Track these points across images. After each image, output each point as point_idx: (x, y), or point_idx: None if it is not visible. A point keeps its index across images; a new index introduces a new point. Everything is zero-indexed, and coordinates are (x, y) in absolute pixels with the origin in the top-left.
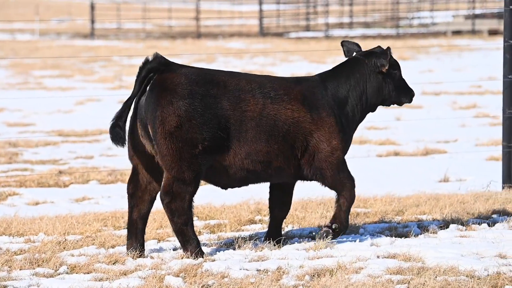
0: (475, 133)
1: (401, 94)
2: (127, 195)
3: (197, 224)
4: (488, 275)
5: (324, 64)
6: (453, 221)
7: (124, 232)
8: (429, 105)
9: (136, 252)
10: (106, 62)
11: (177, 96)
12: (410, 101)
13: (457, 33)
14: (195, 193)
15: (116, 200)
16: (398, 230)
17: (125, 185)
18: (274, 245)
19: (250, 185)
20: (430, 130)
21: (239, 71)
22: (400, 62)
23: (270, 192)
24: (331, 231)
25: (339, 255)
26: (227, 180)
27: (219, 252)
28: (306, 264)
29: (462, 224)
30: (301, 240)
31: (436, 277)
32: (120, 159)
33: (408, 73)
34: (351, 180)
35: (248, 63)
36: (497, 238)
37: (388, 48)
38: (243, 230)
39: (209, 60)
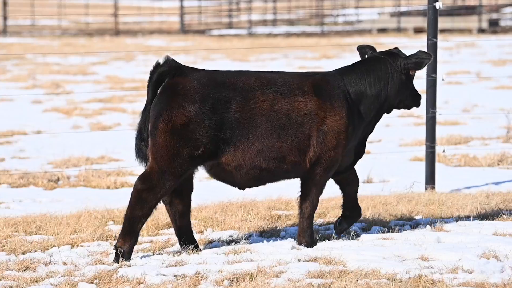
0: (400, 133)
1: (414, 97)
2: (164, 205)
3: (113, 228)
4: (409, 278)
5: (247, 62)
6: (376, 223)
7: (36, 237)
8: None
9: (193, 250)
10: (19, 60)
11: (188, 101)
12: (419, 105)
13: (382, 31)
14: (168, 193)
15: (27, 204)
16: (320, 233)
17: (38, 189)
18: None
19: (268, 183)
20: None
21: None
22: (325, 61)
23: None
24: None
25: (259, 259)
26: (242, 179)
27: (135, 257)
28: (225, 268)
29: (385, 226)
30: (221, 244)
31: (357, 280)
32: (32, 162)
33: None
34: (322, 188)
35: None
36: (420, 240)
37: (421, 51)
38: (161, 234)
39: (128, 58)
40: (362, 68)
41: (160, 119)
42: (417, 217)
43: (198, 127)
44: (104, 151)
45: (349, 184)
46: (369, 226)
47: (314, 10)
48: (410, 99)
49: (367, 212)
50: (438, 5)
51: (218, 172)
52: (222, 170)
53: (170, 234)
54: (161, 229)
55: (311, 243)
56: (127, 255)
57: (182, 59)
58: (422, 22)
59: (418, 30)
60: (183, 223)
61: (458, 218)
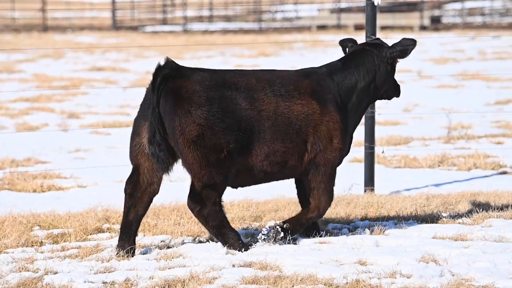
0: None
1: (395, 88)
2: (124, 195)
3: (39, 234)
4: (347, 282)
5: (182, 59)
6: None
7: None
8: None
9: (127, 253)
10: None
11: (194, 104)
12: (399, 95)
13: (322, 27)
14: (223, 193)
15: None
16: (256, 237)
17: None
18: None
19: (259, 184)
20: None
21: (90, 67)
22: (263, 59)
23: (297, 187)
24: (280, 229)
25: (192, 265)
26: (241, 181)
27: (62, 263)
28: (156, 274)
29: (322, 229)
30: (152, 249)
31: (293, 286)
32: None
33: None
34: (332, 194)
35: (100, 59)
36: (357, 244)
37: (413, 40)
38: (89, 240)
39: (56, 56)
40: (351, 63)
41: (175, 132)
42: (355, 220)
43: (212, 131)
44: (31, 152)
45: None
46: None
47: (252, 6)
48: (392, 89)
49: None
50: (376, 1)
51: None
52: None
53: (99, 239)
54: (90, 234)
55: (293, 233)
56: (244, 245)
57: (114, 57)
58: (362, 18)
59: (358, 27)
60: (134, 221)
61: (398, 221)
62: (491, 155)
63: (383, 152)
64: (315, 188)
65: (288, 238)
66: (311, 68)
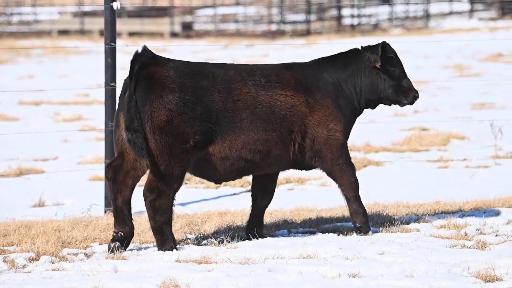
0: (79, 149)
1: (399, 93)
2: (107, 181)
3: None
4: None
5: None
6: (46, 252)
7: None
8: (27, 116)
9: (127, 234)
10: None
11: (166, 89)
12: (410, 102)
13: (64, 32)
14: (178, 190)
15: None
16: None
17: None
18: (255, 237)
19: (245, 176)
20: (27, 146)
21: None
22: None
23: (253, 180)
24: (358, 230)
25: None
26: (222, 173)
27: None
28: None
29: (56, 255)
30: None
31: None
32: None
33: (4, 80)
34: (350, 166)
35: None
36: (94, 270)
37: (382, 42)
38: None
39: None
40: (340, 61)
41: (144, 116)
42: (93, 244)
43: (181, 119)
44: None
45: (263, 198)
46: (37, 257)
47: None
48: (392, 94)
49: (36, 240)
50: (115, 5)
51: (199, 165)
52: (204, 162)
53: None
54: None
55: (365, 225)
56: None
57: None
58: None
59: (103, 33)
60: (124, 205)
61: (140, 244)
62: None
63: None
64: (333, 172)
65: (368, 233)
66: (296, 62)
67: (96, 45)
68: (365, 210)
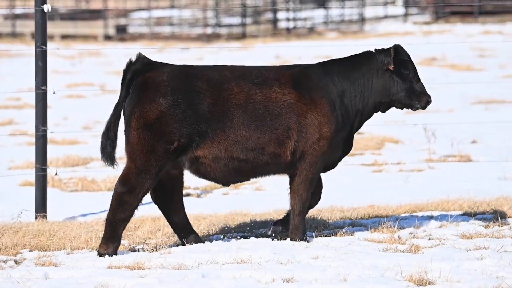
0: (10, 154)
1: (412, 97)
2: (157, 205)
3: None
4: None
5: None
6: None
7: None
8: None
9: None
10: None
11: (159, 94)
12: (423, 106)
13: None
14: (147, 192)
15: None
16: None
17: None
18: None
19: (251, 178)
20: None
21: None
22: None
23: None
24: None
25: None
26: (222, 174)
27: None
28: None
29: None
30: None
31: None
32: None
33: None
34: (312, 181)
35: None
36: (24, 277)
37: (395, 45)
38: None
39: None
40: (349, 63)
41: (132, 117)
42: (24, 251)
43: (170, 120)
44: None
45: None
46: None
47: None
48: (405, 98)
49: None
50: (46, 7)
51: (198, 167)
52: (201, 165)
53: None
54: None
55: (303, 239)
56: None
57: None
58: None
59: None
60: (181, 221)
61: (71, 250)
62: None
63: (56, 174)
64: (298, 177)
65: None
66: (301, 64)
67: (28, 48)
68: (305, 228)
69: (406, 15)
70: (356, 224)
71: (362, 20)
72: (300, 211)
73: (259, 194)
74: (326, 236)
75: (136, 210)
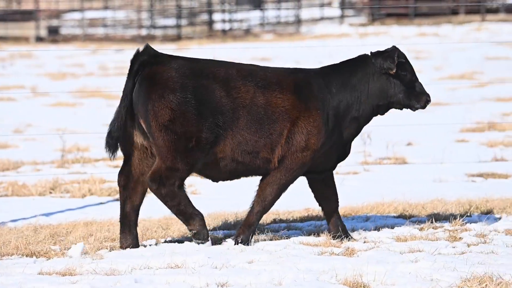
0: None
1: (411, 97)
2: (118, 187)
3: None
4: None
5: None
6: None
7: None
8: None
9: (130, 244)
10: None
11: (168, 90)
12: (422, 106)
13: None
14: (184, 179)
15: None
16: None
17: None
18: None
19: (240, 178)
20: None
21: None
22: None
23: (312, 190)
24: (238, 241)
25: None
26: (218, 172)
27: None
28: None
29: None
30: None
31: None
32: None
33: None
34: (282, 187)
35: None
36: None
37: (395, 48)
38: None
39: None
40: (346, 68)
41: (149, 116)
42: None
43: (185, 117)
44: None
45: (327, 199)
46: None
47: None
48: (404, 99)
49: None
50: None
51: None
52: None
53: None
54: None
55: (246, 240)
56: (205, 232)
57: None
58: None
59: None
60: (131, 212)
61: (1, 256)
62: (108, 180)
63: None
64: (269, 177)
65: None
66: (304, 68)
67: None
68: (255, 228)
69: (342, 17)
70: (291, 227)
71: (298, 22)
72: (258, 211)
73: (194, 198)
74: (261, 240)
75: (184, 187)
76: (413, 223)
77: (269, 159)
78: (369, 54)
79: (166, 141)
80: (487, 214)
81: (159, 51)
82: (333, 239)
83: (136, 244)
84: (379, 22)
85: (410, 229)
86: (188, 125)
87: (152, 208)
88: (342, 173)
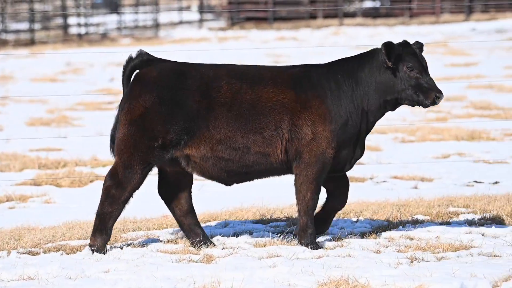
0: None
1: (419, 93)
2: (163, 201)
3: None
4: None
5: None
6: None
7: None
8: None
9: (203, 243)
10: None
11: (145, 89)
12: (432, 103)
13: None
14: (137, 188)
15: None
16: None
17: None
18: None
19: (244, 178)
20: None
21: None
22: None
23: (326, 190)
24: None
25: None
26: (222, 173)
27: None
28: None
29: None
30: None
31: None
32: None
33: None
34: (316, 181)
35: None
36: None
37: (387, 42)
38: None
39: None
40: (354, 62)
41: (121, 112)
42: None
43: (156, 115)
44: None
45: (335, 201)
46: None
47: None
48: (411, 95)
49: None
50: None
51: (193, 166)
52: (194, 163)
53: None
54: None
55: (311, 244)
56: (101, 251)
57: None
58: None
59: None
60: (186, 217)
61: None
62: None
63: None
64: (298, 178)
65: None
66: (306, 64)
67: None
68: (314, 230)
69: (201, 21)
70: (149, 235)
71: (156, 26)
72: (305, 211)
73: (48, 207)
74: (117, 248)
75: (126, 205)
76: (272, 228)
77: (266, 153)
78: (377, 48)
79: (126, 135)
80: (344, 218)
81: (10, 56)
82: (192, 246)
83: (206, 240)
84: (238, 26)
85: (269, 234)
86: (157, 124)
87: (3, 219)
88: (201, 179)
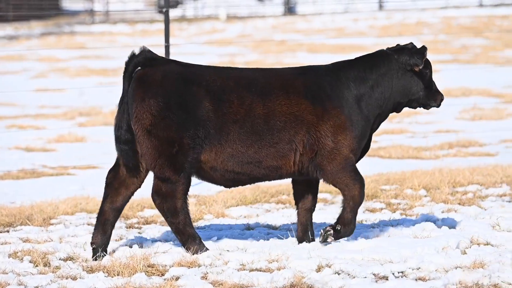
0: None
1: (429, 96)
2: (105, 185)
3: None
4: None
5: None
6: None
7: None
8: None
9: (99, 243)
10: None
11: (149, 93)
12: (438, 105)
13: None
14: (187, 191)
15: None
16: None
17: None
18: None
19: (250, 184)
20: None
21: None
22: None
23: (293, 187)
24: (333, 231)
25: None
26: (229, 183)
27: None
28: None
29: None
30: None
31: None
32: None
33: None
34: (356, 179)
35: None
36: None
37: (424, 47)
38: None
39: None
40: (366, 64)
41: (133, 118)
42: None
43: (165, 122)
44: None
45: (304, 201)
46: None
47: None
48: (423, 97)
49: None
50: None
51: (202, 174)
52: (203, 171)
53: None
54: None
55: (346, 232)
56: (202, 249)
57: None
58: None
59: None
60: (108, 212)
61: None
62: None
63: None
64: (337, 185)
65: (344, 238)
66: (313, 65)
67: None
68: (354, 226)
69: None
70: None
71: None
72: (352, 207)
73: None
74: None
75: (187, 204)
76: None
77: (278, 166)
78: (388, 51)
79: (149, 147)
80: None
81: None
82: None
83: (106, 244)
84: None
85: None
86: (169, 131)
87: None
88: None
